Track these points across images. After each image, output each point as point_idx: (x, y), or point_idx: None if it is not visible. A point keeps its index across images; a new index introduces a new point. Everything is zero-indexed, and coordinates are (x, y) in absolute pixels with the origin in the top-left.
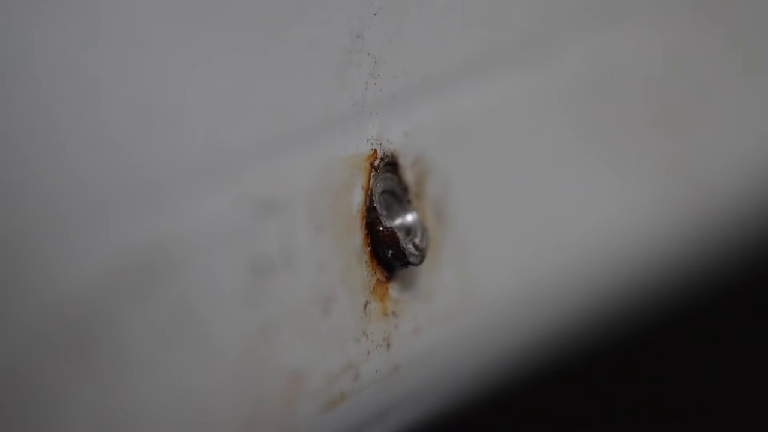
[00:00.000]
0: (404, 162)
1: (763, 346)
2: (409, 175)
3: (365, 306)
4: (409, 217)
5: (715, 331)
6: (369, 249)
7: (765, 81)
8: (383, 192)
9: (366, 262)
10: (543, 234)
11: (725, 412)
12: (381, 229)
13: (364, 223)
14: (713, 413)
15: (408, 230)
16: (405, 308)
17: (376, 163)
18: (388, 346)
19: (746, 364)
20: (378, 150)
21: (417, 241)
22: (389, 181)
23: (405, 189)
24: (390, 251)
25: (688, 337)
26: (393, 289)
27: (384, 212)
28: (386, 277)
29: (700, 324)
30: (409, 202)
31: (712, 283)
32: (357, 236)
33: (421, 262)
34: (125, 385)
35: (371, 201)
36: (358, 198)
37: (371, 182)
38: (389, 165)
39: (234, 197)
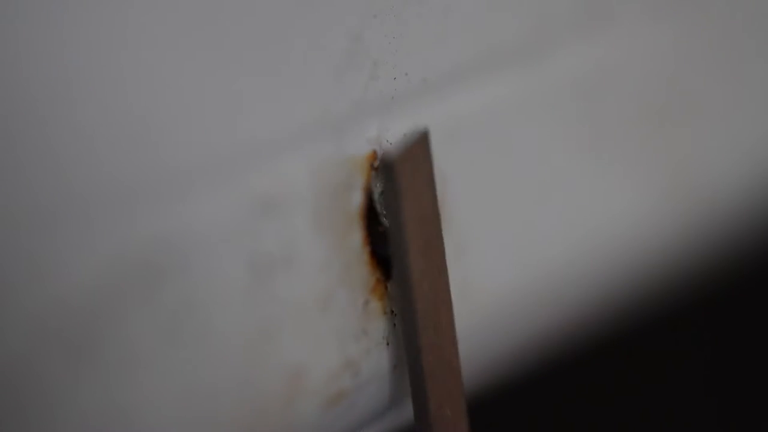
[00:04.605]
0: None
1: (762, 343)
2: None
3: (365, 304)
4: None
5: (714, 331)
6: (368, 248)
7: (761, 80)
8: (383, 192)
9: (365, 261)
10: (541, 234)
11: (724, 412)
12: (380, 228)
13: (364, 222)
14: (712, 413)
15: None
16: None
17: (376, 163)
18: (388, 344)
19: (744, 363)
20: (377, 150)
21: None
22: None
23: None
24: (389, 250)
25: (687, 336)
26: (392, 288)
27: (383, 212)
28: (385, 276)
29: (698, 323)
30: None
31: (711, 282)
32: (356, 236)
33: None
34: (129, 381)
35: (371, 201)
36: (357, 198)
37: (371, 182)
38: None
39: (235, 197)
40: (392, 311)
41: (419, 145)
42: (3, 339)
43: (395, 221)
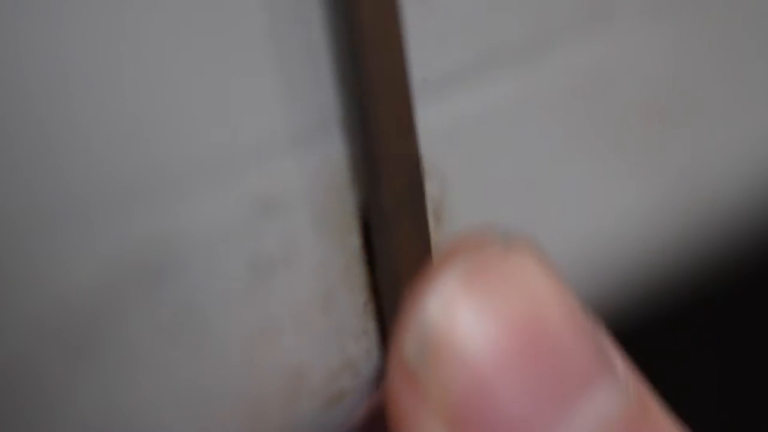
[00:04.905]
0: None
1: (762, 343)
2: None
3: (365, 305)
4: None
5: (714, 331)
6: (368, 248)
7: (763, 80)
8: None
9: (365, 261)
10: (541, 234)
11: (724, 412)
12: None
13: (364, 222)
14: (712, 413)
15: None
16: None
17: None
18: None
19: (744, 363)
20: None
21: None
22: None
23: None
24: None
25: (687, 336)
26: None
27: None
28: None
29: (698, 323)
30: None
31: (711, 282)
32: (356, 236)
33: None
34: (128, 381)
35: None
36: (357, 198)
37: None
38: None
39: (235, 197)
40: None
41: None
42: (2, 339)
43: None
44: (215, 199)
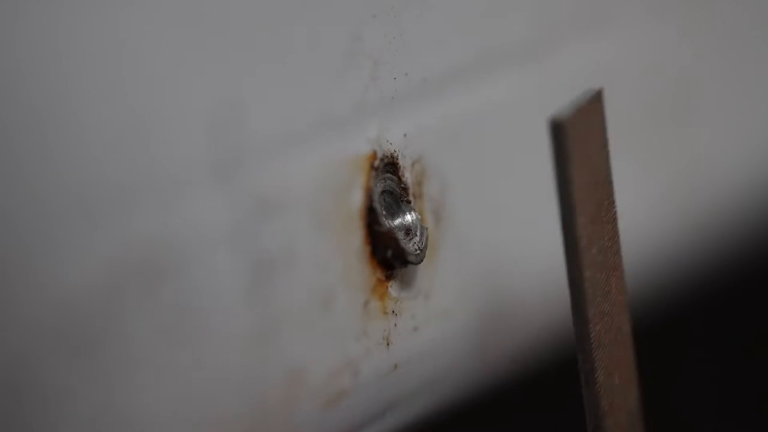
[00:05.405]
0: (403, 163)
1: (763, 343)
2: (408, 176)
3: (365, 305)
4: (409, 217)
5: (714, 331)
6: (369, 248)
7: (762, 82)
8: (383, 192)
9: (366, 261)
10: (542, 234)
11: (724, 412)
12: (381, 228)
13: (364, 222)
14: (712, 413)
15: (407, 230)
16: (404, 307)
17: (376, 163)
18: (388, 344)
19: (744, 363)
20: (378, 151)
21: (416, 240)
22: (389, 181)
23: (404, 189)
24: (389, 251)
25: (687, 336)
26: (392, 288)
27: (383, 212)
28: (386, 276)
29: (699, 323)
30: (408, 202)
31: (711, 282)
32: (357, 236)
33: (420, 261)
34: (128, 382)
35: (371, 201)
36: (358, 198)
37: (371, 182)
38: (389, 165)
39: (235, 197)
40: (393, 311)
41: (592, 106)
42: (3, 339)
43: (563, 186)
44: (215, 199)
